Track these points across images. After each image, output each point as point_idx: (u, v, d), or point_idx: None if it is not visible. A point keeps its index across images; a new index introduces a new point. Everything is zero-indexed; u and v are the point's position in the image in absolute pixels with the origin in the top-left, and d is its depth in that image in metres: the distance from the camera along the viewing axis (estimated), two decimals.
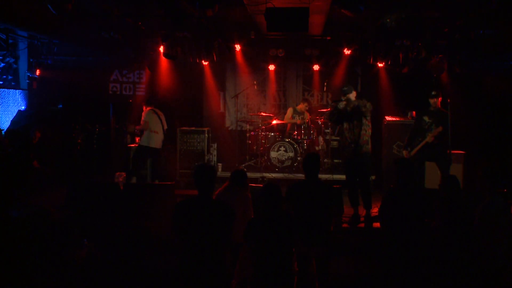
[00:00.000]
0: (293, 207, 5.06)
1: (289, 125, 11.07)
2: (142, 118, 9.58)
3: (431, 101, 7.86)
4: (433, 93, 7.88)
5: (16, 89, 11.21)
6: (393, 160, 7.77)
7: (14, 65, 11.01)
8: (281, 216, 4.44)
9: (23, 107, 11.48)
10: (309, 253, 4.93)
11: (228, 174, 9.86)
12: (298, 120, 10.90)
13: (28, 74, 11.23)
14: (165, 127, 9.78)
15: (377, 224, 7.21)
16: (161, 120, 9.66)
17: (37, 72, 11.17)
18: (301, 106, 11.09)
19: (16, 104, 11.28)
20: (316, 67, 11.46)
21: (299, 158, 10.31)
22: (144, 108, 9.72)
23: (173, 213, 4.12)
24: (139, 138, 9.88)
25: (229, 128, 12.50)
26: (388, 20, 6.83)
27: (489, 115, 10.83)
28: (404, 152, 8.13)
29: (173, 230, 4.14)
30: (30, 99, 11.65)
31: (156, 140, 9.59)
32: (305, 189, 5.19)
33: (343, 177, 9.92)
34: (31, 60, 11.22)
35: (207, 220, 4.07)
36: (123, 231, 6.94)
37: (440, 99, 7.82)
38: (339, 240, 6.77)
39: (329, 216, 5.16)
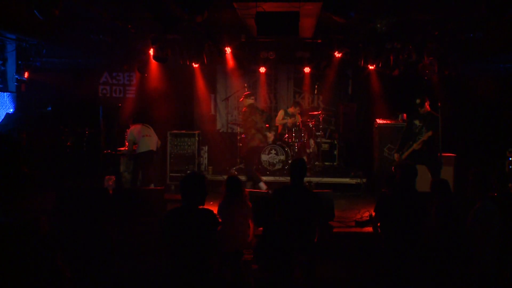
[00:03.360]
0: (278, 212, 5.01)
1: (280, 128, 11.03)
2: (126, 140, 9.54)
3: (419, 110, 7.90)
4: (417, 101, 7.90)
5: (4, 91, 11.06)
6: (395, 165, 7.82)
7: (2, 68, 10.85)
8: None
9: (11, 110, 11.34)
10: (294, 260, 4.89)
11: (219, 177, 9.94)
12: (289, 119, 10.87)
13: (17, 76, 11.08)
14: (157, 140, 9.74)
15: (368, 229, 7.20)
16: (147, 127, 9.56)
17: (26, 74, 11.02)
18: (292, 110, 11.06)
19: (4, 107, 11.15)
20: (307, 70, 11.47)
21: (290, 161, 10.27)
22: (130, 126, 9.53)
23: (161, 224, 4.11)
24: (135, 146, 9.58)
25: (220, 131, 12.46)
26: (378, 25, 6.83)
27: (479, 117, 10.87)
28: (396, 156, 8.14)
29: (162, 241, 4.13)
30: (18, 102, 11.52)
31: (150, 142, 9.46)
32: (289, 194, 5.13)
33: (334, 180, 10.00)
34: (20, 62, 11.05)
35: (193, 229, 4.07)
36: (112, 235, 6.89)
37: (426, 104, 7.84)
38: (330, 245, 6.78)
39: (313, 223, 5.12)
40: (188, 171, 9.99)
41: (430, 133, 7.65)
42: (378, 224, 5.32)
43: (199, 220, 4.12)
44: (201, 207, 4.25)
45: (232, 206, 5.24)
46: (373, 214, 5.55)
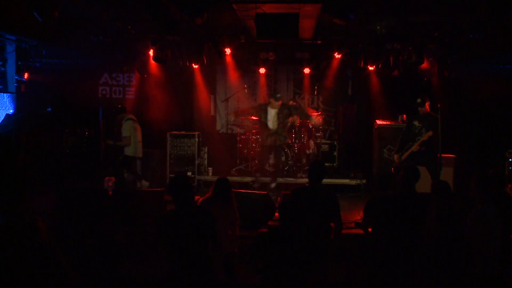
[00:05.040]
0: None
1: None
2: (122, 133, 9.17)
3: (419, 109, 7.91)
4: (418, 101, 7.91)
5: (3, 92, 11.07)
6: (395, 166, 7.87)
7: (2, 68, 10.86)
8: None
9: (11, 111, 11.35)
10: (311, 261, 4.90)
11: None
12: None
13: (16, 77, 11.07)
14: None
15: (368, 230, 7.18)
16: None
17: (26, 75, 11.00)
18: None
19: (4, 107, 11.15)
20: (307, 70, 11.45)
21: (290, 162, 10.27)
22: (118, 118, 9.30)
23: (156, 228, 4.12)
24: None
25: (220, 132, 12.45)
26: (378, 27, 6.83)
27: (479, 118, 10.87)
28: (395, 156, 8.13)
29: (158, 244, 4.14)
30: (18, 103, 11.51)
31: (140, 149, 9.38)
32: (308, 195, 5.15)
33: (334, 181, 9.99)
34: (19, 63, 11.04)
35: (192, 229, 4.07)
36: (112, 237, 6.90)
37: (427, 104, 7.84)
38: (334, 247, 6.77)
39: (329, 224, 5.15)
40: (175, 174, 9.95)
41: (430, 133, 7.64)
42: (370, 229, 5.34)
43: (198, 219, 4.12)
44: (194, 206, 4.27)
45: (213, 207, 5.18)
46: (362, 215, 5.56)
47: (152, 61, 10.23)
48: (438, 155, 7.67)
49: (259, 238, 4.39)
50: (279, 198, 7.79)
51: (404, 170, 5.21)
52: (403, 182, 5.12)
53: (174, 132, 10.61)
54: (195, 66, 11.22)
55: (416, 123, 7.92)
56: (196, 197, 5.46)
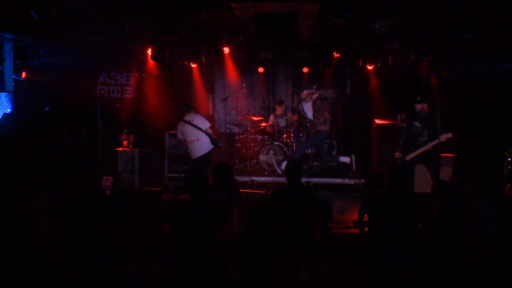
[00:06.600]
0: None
1: (277, 128, 11.03)
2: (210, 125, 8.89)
3: (417, 106, 7.90)
4: (417, 99, 7.91)
5: (1, 91, 11.04)
6: (387, 166, 7.85)
7: (0, 67, 10.86)
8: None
9: (8, 110, 11.32)
10: (297, 261, 4.88)
11: None
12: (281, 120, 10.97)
13: (14, 76, 11.05)
14: None
15: (366, 229, 7.17)
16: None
17: (23, 74, 11.01)
18: (279, 110, 11.07)
19: (1, 107, 11.12)
20: (305, 70, 11.43)
21: None
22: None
23: (165, 212, 4.09)
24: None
25: (218, 131, 12.41)
26: (377, 26, 6.82)
27: (478, 118, 10.86)
28: (397, 154, 8.13)
29: (165, 223, 4.12)
30: (16, 102, 11.48)
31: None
32: (288, 196, 5.10)
33: (333, 180, 9.97)
34: (17, 62, 11.04)
35: (201, 223, 4.03)
36: (110, 237, 6.88)
37: (426, 105, 7.84)
38: (330, 246, 6.76)
39: (314, 223, 5.11)
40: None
41: (450, 135, 7.62)
42: (366, 228, 5.34)
43: (210, 214, 4.08)
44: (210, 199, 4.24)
45: (221, 196, 5.13)
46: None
47: (150, 61, 10.21)
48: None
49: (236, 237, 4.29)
50: None
51: (388, 170, 5.21)
52: (390, 182, 5.11)
53: (172, 132, 10.57)
54: (194, 65, 11.21)
55: (417, 124, 7.92)
56: None
